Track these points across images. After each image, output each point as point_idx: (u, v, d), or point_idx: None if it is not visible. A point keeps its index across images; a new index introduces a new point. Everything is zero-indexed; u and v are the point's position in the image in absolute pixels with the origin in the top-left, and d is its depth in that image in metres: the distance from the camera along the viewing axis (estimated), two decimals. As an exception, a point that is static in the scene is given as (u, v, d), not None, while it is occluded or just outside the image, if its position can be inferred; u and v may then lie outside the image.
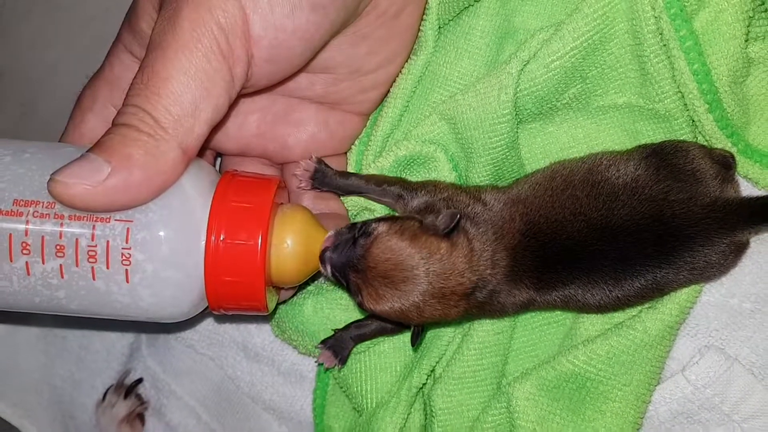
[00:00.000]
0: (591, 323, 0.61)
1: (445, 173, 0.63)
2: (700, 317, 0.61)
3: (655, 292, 0.57)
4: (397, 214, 0.63)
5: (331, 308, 0.68)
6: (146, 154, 0.50)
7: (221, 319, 0.78)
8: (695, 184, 0.55)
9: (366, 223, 0.57)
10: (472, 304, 0.57)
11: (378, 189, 0.63)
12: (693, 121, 0.59)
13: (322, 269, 0.58)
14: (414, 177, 0.65)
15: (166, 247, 0.54)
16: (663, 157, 0.56)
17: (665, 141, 0.59)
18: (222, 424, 0.79)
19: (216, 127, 0.62)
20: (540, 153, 0.63)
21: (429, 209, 0.60)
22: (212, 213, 0.55)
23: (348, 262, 0.56)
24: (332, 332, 0.67)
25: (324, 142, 0.66)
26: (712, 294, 0.61)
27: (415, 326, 0.58)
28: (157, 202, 0.53)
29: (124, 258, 0.53)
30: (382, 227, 0.56)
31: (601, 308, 0.58)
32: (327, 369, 0.68)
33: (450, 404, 0.63)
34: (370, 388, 0.66)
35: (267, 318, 0.74)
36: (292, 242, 0.57)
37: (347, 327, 0.66)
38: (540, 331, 0.64)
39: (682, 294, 0.58)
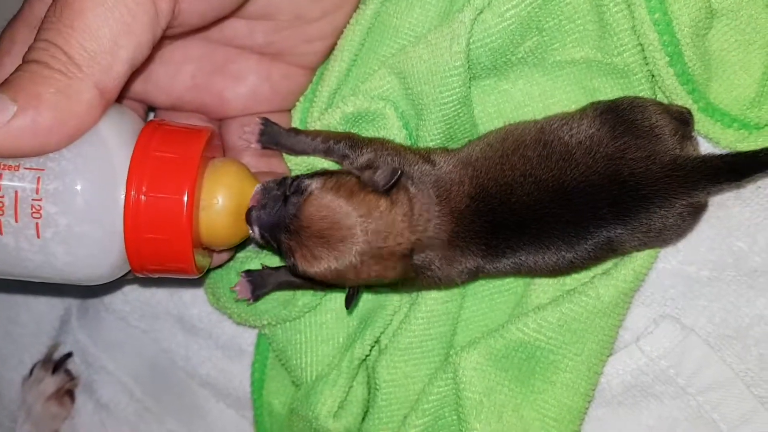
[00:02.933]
0: (543, 290, 0.58)
1: (394, 131, 0.59)
2: (656, 285, 0.58)
3: (609, 253, 0.54)
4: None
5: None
6: (57, 93, 0.46)
7: (147, 283, 0.73)
8: (654, 141, 0.52)
9: (298, 179, 0.53)
10: (410, 267, 0.53)
11: (324, 146, 0.59)
12: (653, 76, 0.56)
13: (249, 230, 0.53)
14: (362, 135, 0.61)
15: (81, 200, 0.49)
16: (619, 114, 0.53)
17: (621, 97, 0.55)
18: (156, 400, 0.75)
19: (140, 72, 0.58)
20: (493, 111, 0.60)
21: (369, 165, 0.56)
22: (133, 164, 0.50)
23: (278, 221, 0.52)
24: (260, 267, 0.62)
25: (266, 97, 0.62)
26: (669, 261, 0.58)
27: (351, 288, 0.54)
28: (71, 149, 0.49)
29: (34, 210, 0.48)
30: (316, 183, 0.52)
31: (554, 272, 0.55)
32: (237, 299, 0.63)
33: (395, 376, 0.60)
34: (310, 361, 0.62)
35: (201, 287, 0.70)
36: (223, 199, 0.53)
37: (278, 267, 0.62)
38: (490, 299, 0.61)
39: (637, 260, 0.55)
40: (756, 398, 0.56)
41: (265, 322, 0.63)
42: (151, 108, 0.65)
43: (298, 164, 0.62)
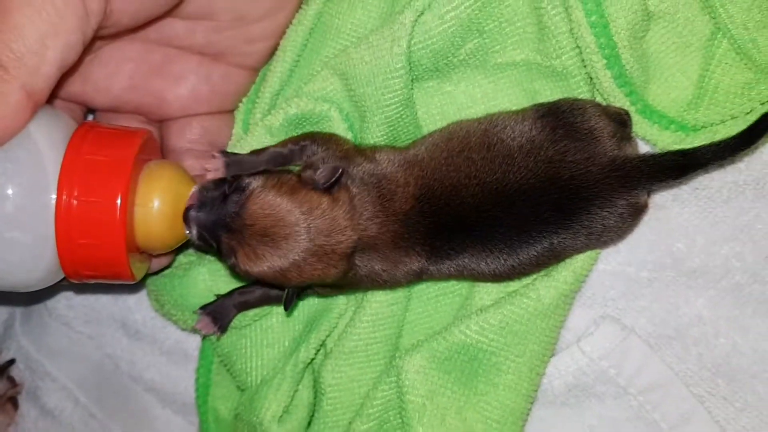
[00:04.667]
0: (486, 292, 0.58)
1: (340, 133, 0.59)
2: (596, 286, 0.59)
3: (552, 259, 0.54)
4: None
5: (213, 279, 0.63)
6: None
7: (90, 288, 0.71)
8: (593, 143, 0.52)
9: (237, 178, 0.53)
10: (352, 266, 0.53)
11: (285, 151, 0.57)
12: (591, 78, 0.56)
13: (186, 231, 0.53)
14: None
15: (10, 205, 0.48)
16: (559, 116, 0.53)
17: (561, 99, 0.56)
18: (102, 407, 0.74)
19: (73, 72, 0.56)
20: (437, 113, 0.60)
21: (310, 164, 0.55)
22: (64, 167, 0.49)
23: (218, 220, 0.51)
24: (214, 298, 0.62)
25: (206, 97, 0.61)
26: (609, 262, 0.58)
27: (290, 288, 0.53)
28: (0, 153, 0.47)
29: (-41, 215, 0.47)
30: (257, 182, 0.51)
31: (497, 277, 0.55)
32: (205, 336, 0.63)
33: (340, 380, 0.59)
34: (255, 365, 0.61)
35: (142, 291, 0.69)
36: (159, 202, 0.52)
37: (230, 293, 0.61)
38: (435, 301, 0.60)
39: (578, 261, 0.55)
40: (695, 397, 0.57)
41: (210, 329, 0.62)
42: (90, 110, 0.64)
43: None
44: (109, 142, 0.51)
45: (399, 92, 0.56)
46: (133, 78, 0.59)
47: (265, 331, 0.62)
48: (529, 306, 0.55)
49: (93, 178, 0.49)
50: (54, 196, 0.48)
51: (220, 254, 0.52)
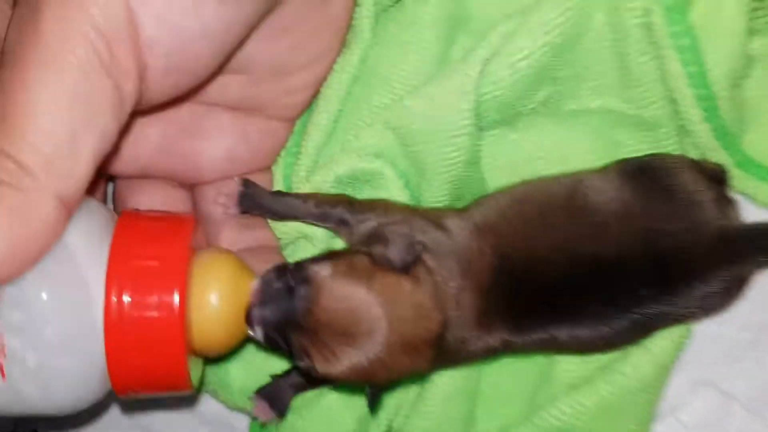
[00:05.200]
0: (569, 360, 0.53)
1: (395, 192, 0.53)
2: (692, 350, 0.54)
3: (649, 331, 0.49)
4: (338, 247, 0.52)
5: (264, 358, 0.57)
6: (10, 216, 0.38)
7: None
8: (695, 210, 0.47)
9: (300, 266, 0.46)
10: (440, 353, 0.47)
11: (317, 211, 0.52)
12: (682, 128, 0.50)
13: (250, 332, 0.47)
14: (358, 196, 0.54)
15: (50, 330, 0.41)
16: (653, 178, 0.48)
17: (650, 156, 0.50)
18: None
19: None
20: (504, 164, 0.54)
21: (377, 238, 0.49)
22: (110, 277, 0.43)
23: (286, 319, 0.45)
24: (269, 379, 0.56)
25: (243, 159, 0.55)
26: (707, 324, 0.53)
27: (373, 387, 0.48)
28: (33, 270, 0.41)
29: (-6, 349, 0.41)
30: (324, 270, 0.45)
31: (586, 349, 0.50)
32: (263, 425, 0.57)
33: (415, 467, 0.54)
34: (319, 450, 0.56)
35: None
36: (217, 301, 0.46)
37: (287, 373, 0.56)
38: (510, 369, 0.55)
39: (675, 330, 0.50)
40: None
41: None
42: (111, 177, 0.57)
43: (286, 233, 0.55)
44: (156, 237, 0.44)
45: (466, 150, 0.50)
46: (162, 141, 0.53)
47: (326, 411, 0.57)
48: (627, 384, 0.50)
49: (144, 287, 0.43)
50: (100, 312, 0.42)
51: (291, 355, 0.46)
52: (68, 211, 0.40)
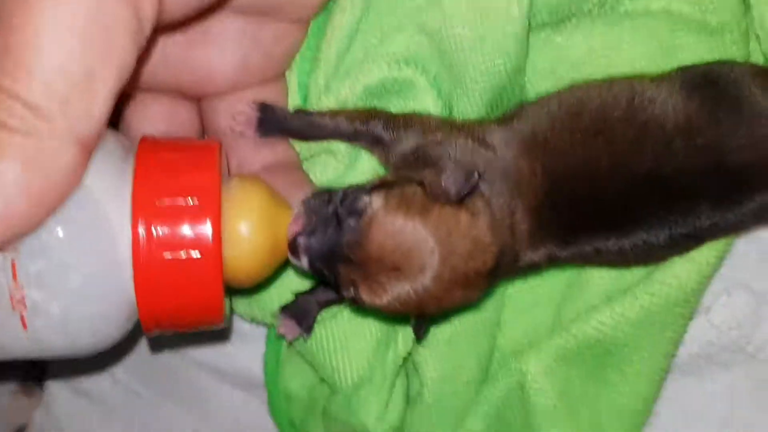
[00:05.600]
0: (600, 277, 0.52)
1: (428, 104, 0.48)
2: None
3: (697, 244, 0.48)
4: (384, 175, 0.48)
5: (286, 273, 0.54)
6: (26, 168, 0.33)
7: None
8: (761, 124, 0.44)
9: (351, 194, 0.43)
10: (495, 282, 0.46)
11: (348, 130, 0.48)
12: (748, 34, 0.46)
13: (294, 260, 0.43)
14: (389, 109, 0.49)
15: (74, 275, 0.37)
16: (720, 90, 0.45)
17: (716, 64, 0.46)
18: (146, 385, 0.67)
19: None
20: (546, 68, 0.50)
21: (421, 159, 0.46)
22: (136, 213, 0.38)
23: (335, 250, 0.42)
24: (293, 296, 0.54)
25: (257, 66, 0.49)
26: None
27: (419, 318, 0.46)
28: (52, 216, 0.36)
29: (14, 301, 0.37)
30: (377, 201, 0.42)
31: (628, 263, 0.49)
32: (291, 342, 0.55)
33: (443, 370, 0.53)
34: (344, 361, 0.54)
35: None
36: (251, 232, 0.42)
37: (312, 289, 0.53)
38: (538, 276, 0.54)
39: (721, 240, 0.49)
40: None
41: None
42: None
43: (306, 147, 0.51)
44: (181, 166, 0.40)
45: (512, 57, 0.46)
46: (167, 51, 0.47)
47: (350, 321, 0.55)
48: (671, 295, 0.49)
49: (174, 220, 0.39)
50: (127, 252, 0.38)
51: (336, 286, 0.43)
52: (88, 154, 0.36)
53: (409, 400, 0.56)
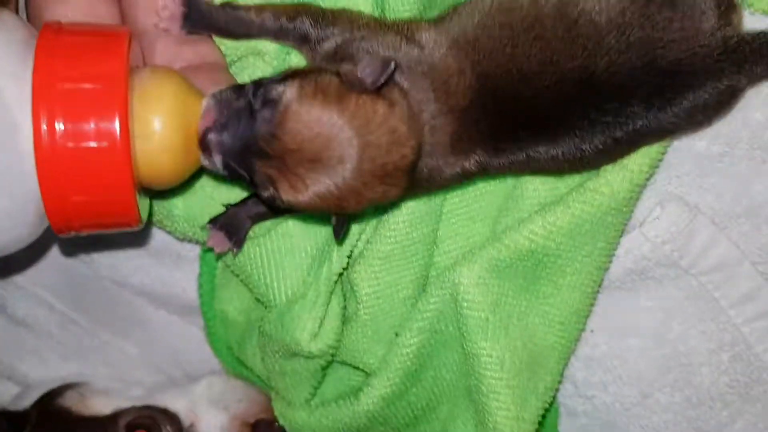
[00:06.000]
0: (538, 180, 0.51)
1: (357, 2, 0.47)
2: (662, 163, 0.52)
3: (630, 149, 0.47)
4: (295, 64, 0.46)
5: (213, 186, 0.53)
6: None
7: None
8: (697, 17, 0.43)
9: (263, 85, 0.41)
10: (412, 179, 0.44)
11: (274, 27, 0.46)
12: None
13: (205, 160, 0.42)
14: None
15: None
16: None
17: None
18: (82, 312, 0.66)
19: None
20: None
21: (343, 54, 0.44)
22: (36, 103, 0.36)
23: (249, 145, 0.41)
24: (223, 208, 0.52)
25: None
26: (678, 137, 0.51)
27: (339, 216, 0.45)
28: None
29: None
30: (291, 91, 0.40)
31: (562, 170, 0.48)
32: (219, 255, 0.54)
33: (378, 288, 0.53)
34: (277, 278, 0.53)
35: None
36: (163, 125, 0.40)
37: (242, 202, 0.52)
38: (474, 189, 0.53)
39: (654, 147, 0.48)
40: (762, 275, 0.54)
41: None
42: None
43: (234, 47, 0.49)
44: (86, 53, 0.38)
45: None
46: None
47: (284, 237, 0.53)
48: (602, 203, 0.48)
49: (78, 111, 0.37)
50: (30, 144, 0.37)
51: (253, 185, 0.42)
52: None
53: (345, 320, 0.56)
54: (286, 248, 0.54)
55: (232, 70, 0.50)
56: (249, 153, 0.41)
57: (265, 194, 0.42)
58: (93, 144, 0.37)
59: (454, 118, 0.44)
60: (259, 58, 0.49)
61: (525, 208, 0.51)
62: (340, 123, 0.40)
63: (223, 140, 0.41)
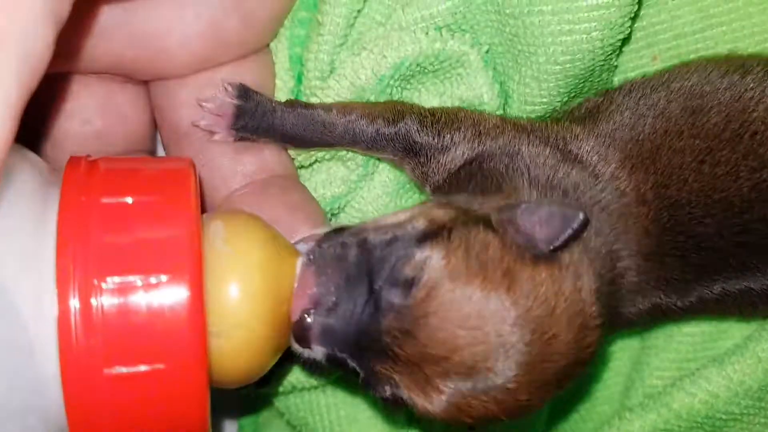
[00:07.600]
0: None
1: (481, 89, 0.34)
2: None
3: None
4: (427, 201, 0.33)
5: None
6: None
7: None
8: None
9: (389, 247, 0.28)
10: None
11: (369, 131, 0.33)
12: None
13: (298, 349, 0.29)
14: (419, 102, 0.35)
15: None
16: None
17: None
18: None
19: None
20: (640, 42, 0.36)
21: (477, 176, 0.31)
22: (63, 307, 0.23)
23: (365, 335, 0.28)
24: None
25: (232, 34, 0.35)
26: None
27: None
28: None
29: None
30: (437, 256, 0.27)
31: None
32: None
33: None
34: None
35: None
36: (248, 317, 0.26)
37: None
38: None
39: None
40: None
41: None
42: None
43: (310, 153, 0.35)
44: (133, 214, 0.24)
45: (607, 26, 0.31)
46: (106, 19, 0.32)
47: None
48: None
49: (125, 318, 0.24)
50: (52, 365, 0.23)
51: (366, 385, 0.29)
52: None
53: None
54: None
55: (301, 177, 0.36)
56: (363, 348, 0.28)
57: (380, 394, 0.29)
58: (149, 362, 0.23)
59: (637, 264, 0.32)
60: (338, 163, 0.35)
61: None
62: (513, 317, 0.27)
63: (331, 327, 0.28)
